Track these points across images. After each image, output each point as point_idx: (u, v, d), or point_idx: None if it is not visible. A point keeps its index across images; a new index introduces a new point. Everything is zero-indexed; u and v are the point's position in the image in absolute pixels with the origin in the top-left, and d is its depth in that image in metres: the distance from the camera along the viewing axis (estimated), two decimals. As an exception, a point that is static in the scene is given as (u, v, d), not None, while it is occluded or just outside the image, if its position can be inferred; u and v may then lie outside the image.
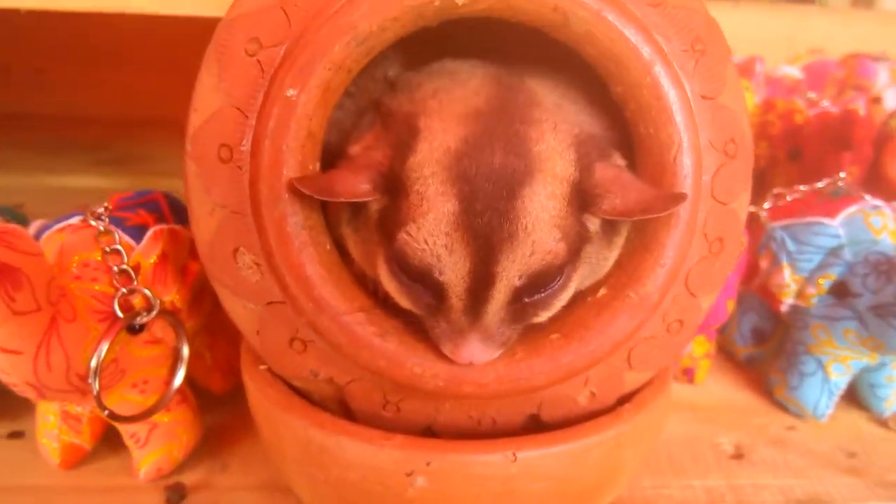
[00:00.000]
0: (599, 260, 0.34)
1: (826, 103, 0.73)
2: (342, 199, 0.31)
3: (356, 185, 0.31)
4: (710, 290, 0.36)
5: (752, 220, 0.57)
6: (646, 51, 0.32)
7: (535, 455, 0.33)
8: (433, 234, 0.29)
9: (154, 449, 0.43)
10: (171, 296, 0.42)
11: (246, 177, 0.34)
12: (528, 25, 0.33)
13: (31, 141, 0.92)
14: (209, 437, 0.48)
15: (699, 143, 0.34)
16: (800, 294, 0.52)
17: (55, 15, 0.49)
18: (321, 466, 0.35)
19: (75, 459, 0.44)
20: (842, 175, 0.54)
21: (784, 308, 0.53)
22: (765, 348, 0.58)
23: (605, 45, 0.32)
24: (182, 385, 0.44)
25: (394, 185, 0.31)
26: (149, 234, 0.42)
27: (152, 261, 0.41)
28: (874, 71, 0.88)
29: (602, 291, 0.34)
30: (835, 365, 0.51)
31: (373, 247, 0.33)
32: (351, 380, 0.35)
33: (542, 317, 0.32)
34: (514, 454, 0.33)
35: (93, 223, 0.40)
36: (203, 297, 0.45)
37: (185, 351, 0.43)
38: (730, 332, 0.60)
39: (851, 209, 0.51)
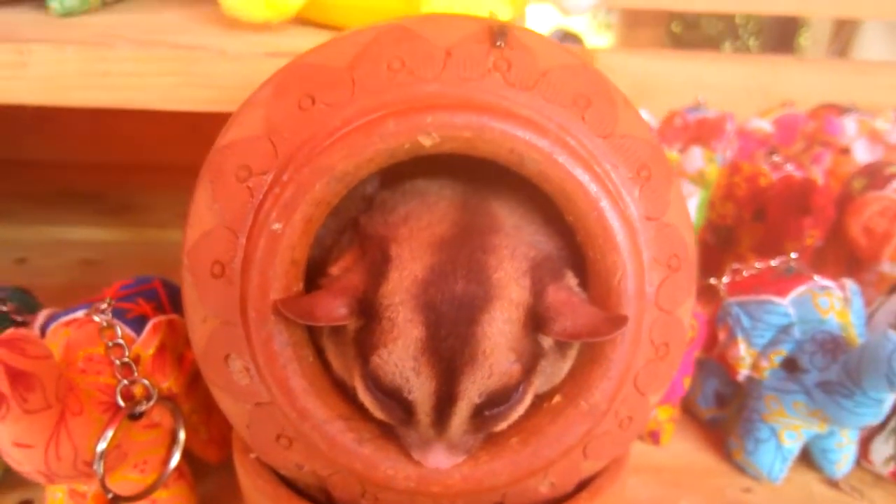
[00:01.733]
0: (555, 370, 0.38)
1: (790, 167, 0.76)
2: (322, 324, 0.35)
3: (334, 310, 0.35)
4: (657, 388, 0.40)
5: (713, 292, 0.61)
6: (593, 188, 0.35)
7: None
8: (402, 358, 0.33)
9: (155, 523, 0.47)
10: (169, 383, 0.46)
11: (237, 292, 0.38)
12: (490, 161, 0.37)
13: (31, 191, 0.96)
14: (204, 505, 0.52)
15: (643, 262, 0.38)
16: (754, 366, 0.56)
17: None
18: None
19: (81, 533, 0.48)
20: (793, 256, 0.58)
21: (741, 377, 0.57)
22: (726, 411, 0.62)
23: (557, 183, 0.36)
24: (178, 462, 0.47)
25: (368, 310, 0.35)
26: (148, 326, 0.46)
27: (151, 352, 0.45)
28: (840, 125, 0.92)
29: (556, 399, 0.38)
30: (787, 432, 0.55)
31: (350, 360, 0.37)
32: (332, 472, 0.39)
33: (502, 426, 0.36)
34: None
35: (96, 318, 0.44)
36: (198, 381, 0.48)
37: (181, 434, 0.47)
38: (694, 395, 0.64)
39: (801, 289, 0.55)
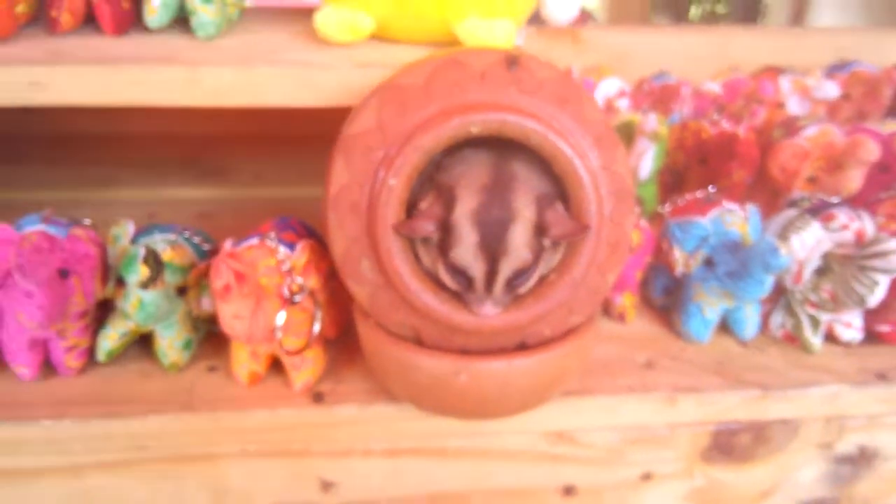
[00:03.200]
0: (551, 261, 0.65)
1: (724, 123, 1.02)
2: (418, 236, 0.62)
3: (426, 227, 0.61)
4: (611, 270, 0.67)
5: (659, 216, 0.88)
6: (569, 152, 0.62)
7: (523, 362, 0.65)
8: (466, 251, 0.60)
9: (304, 369, 0.75)
10: (312, 282, 0.73)
11: (363, 221, 0.65)
12: (511, 139, 0.63)
13: (142, 158, 1.22)
14: (330, 367, 0.80)
15: (601, 195, 0.64)
16: (685, 265, 0.83)
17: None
18: (405, 374, 0.66)
19: (256, 381, 0.76)
20: (711, 189, 0.85)
21: (678, 274, 0.84)
22: (671, 299, 0.90)
23: (549, 151, 0.62)
24: (317, 334, 0.76)
25: (445, 227, 0.61)
26: (299, 246, 0.72)
27: (302, 262, 0.72)
28: (774, 86, 1.15)
29: (552, 276, 0.65)
30: (708, 308, 0.83)
31: (434, 258, 0.64)
32: (423, 325, 0.67)
33: (523, 289, 0.63)
34: (510, 362, 0.64)
35: (268, 243, 0.71)
36: (329, 282, 0.76)
37: (319, 315, 0.74)
38: (649, 289, 0.92)
39: (715, 211, 0.82)
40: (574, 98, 0.65)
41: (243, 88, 0.76)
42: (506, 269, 0.61)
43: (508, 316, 0.64)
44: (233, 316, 0.68)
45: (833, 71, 1.16)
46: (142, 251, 0.71)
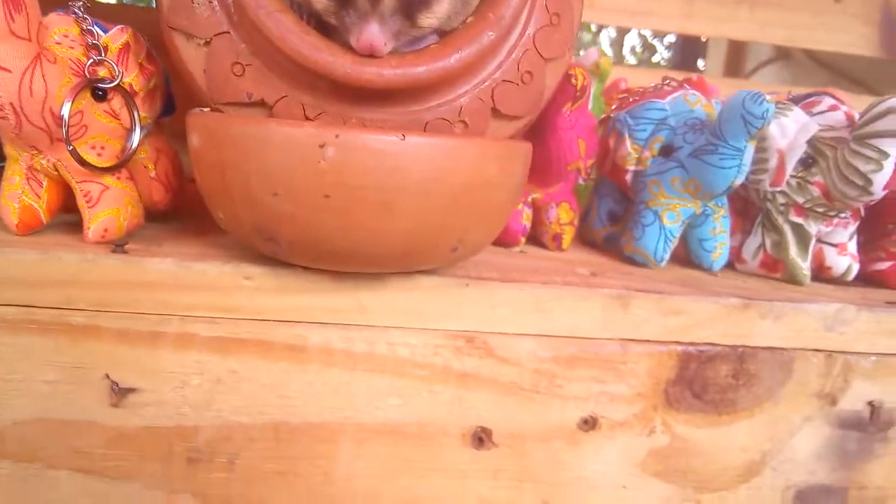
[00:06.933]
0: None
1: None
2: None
3: None
4: (553, 53, 0.49)
5: (606, 122, 0.71)
6: None
7: (420, 140, 0.44)
8: None
9: (104, 209, 0.51)
10: (131, 78, 0.52)
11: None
12: None
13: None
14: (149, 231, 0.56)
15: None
16: (638, 160, 0.65)
17: None
18: (252, 156, 0.44)
19: (31, 225, 0.52)
20: (666, 82, 0.69)
21: (628, 177, 0.66)
22: (618, 227, 0.70)
23: None
24: (129, 170, 0.53)
25: None
26: (116, 28, 0.52)
27: (118, 45, 0.51)
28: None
29: (469, 19, 0.46)
30: (668, 213, 0.64)
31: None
32: (278, 98, 0.46)
33: (425, 19, 0.44)
34: (403, 136, 0.43)
35: (75, 10, 0.51)
36: (154, 97, 0.55)
37: (137, 129, 0.52)
38: (590, 219, 0.72)
39: (676, 94, 0.66)
40: None
41: None
42: (400, -29, 0.42)
43: (403, 62, 0.44)
44: (-7, 61, 0.45)
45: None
46: None
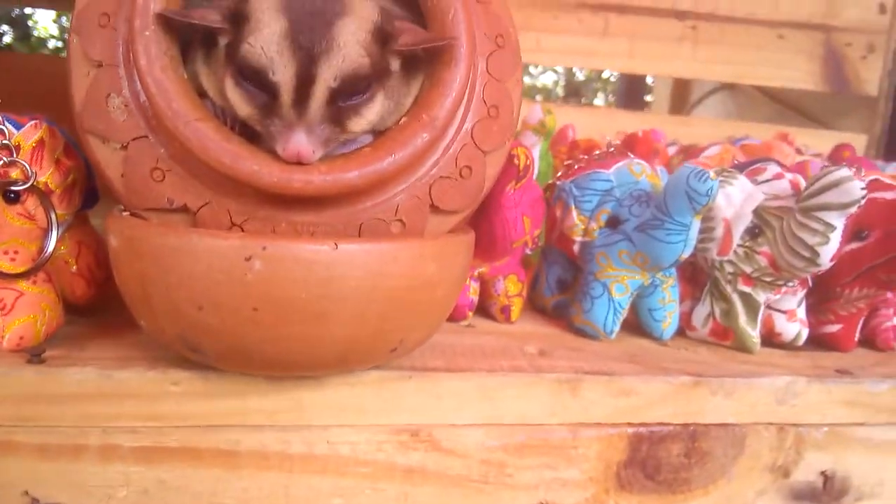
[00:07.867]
0: (401, 97, 0.44)
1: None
2: (196, 22, 0.41)
3: (208, 15, 0.41)
4: (493, 145, 0.47)
5: (553, 188, 0.69)
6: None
7: (354, 248, 0.41)
8: (268, 42, 0.39)
9: (19, 316, 0.48)
10: (46, 177, 0.49)
11: (121, 35, 0.43)
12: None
13: None
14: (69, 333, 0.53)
15: (473, 31, 0.46)
16: (585, 231, 0.64)
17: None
18: (174, 268, 0.41)
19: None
20: (613, 144, 0.68)
21: (576, 247, 0.65)
22: (568, 295, 0.69)
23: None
24: (48, 272, 0.50)
25: (238, 18, 0.41)
26: (29, 123, 0.49)
27: (32, 143, 0.48)
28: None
29: (403, 119, 0.44)
30: (616, 286, 0.62)
31: (221, 76, 0.42)
32: (202, 204, 0.43)
33: (355, 125, 0.42)
34: (335, 244, 0.41)
35: (-19, 108, 0.48)
36: (73, 192, 0.51)
37: (55, 230, 0.49)
38: (539, 286, 0.71)
39: (620, 163, 0.65)
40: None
41: None
42: (327, 74, 0.40)
43: (334, 168, 0.42)
44: None
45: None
46: None
